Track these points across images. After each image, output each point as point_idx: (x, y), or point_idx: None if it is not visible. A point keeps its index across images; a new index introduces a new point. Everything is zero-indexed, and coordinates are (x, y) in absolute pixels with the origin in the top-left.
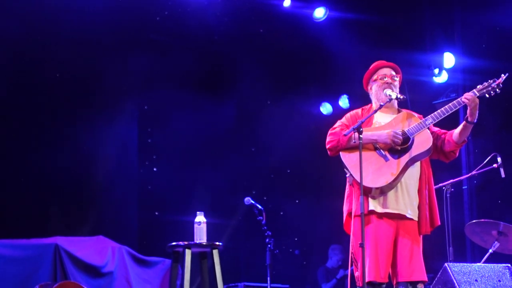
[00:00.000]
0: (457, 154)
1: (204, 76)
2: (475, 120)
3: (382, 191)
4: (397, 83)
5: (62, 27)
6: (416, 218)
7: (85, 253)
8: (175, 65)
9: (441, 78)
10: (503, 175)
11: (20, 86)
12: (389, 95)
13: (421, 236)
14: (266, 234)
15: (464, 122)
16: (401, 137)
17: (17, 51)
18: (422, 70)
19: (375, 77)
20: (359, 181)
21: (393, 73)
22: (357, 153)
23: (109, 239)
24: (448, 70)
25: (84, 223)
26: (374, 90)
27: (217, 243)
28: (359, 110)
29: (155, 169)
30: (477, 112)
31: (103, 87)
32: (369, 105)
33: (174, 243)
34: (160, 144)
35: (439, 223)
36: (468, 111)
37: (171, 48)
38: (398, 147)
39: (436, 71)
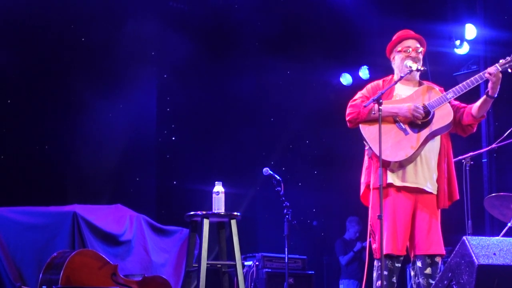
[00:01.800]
0: (475, 129)
1: (223, 46)
2: (496, 95)
3: (401, 165)
4: (420, 56)
5: None
6: (435, 192)
7: (103, 221)
8: (195, 34)
9: (463, 49)
10: None
11: (39, 52)
12: (410, 66)
13: (440, 210)
14: (284, 204)
15: (484, 96)
16: (422, 111)
17: (38, 17)
18: (443, 41)
19: (399, 48)
20: (378, 154)
21: (418, 45)
22: (376, 126)
23: (127, 207)
24: (469, 42)
25: (102, 191)
26: (396, 61)
27: (235, 213)
28: (380, 81)
29: (173, 138)
30: (499, 86)
31: (122, 55)
32: (391, 76)
33: (192, 213)
34: (179, 113)
35: (458, 197)
36: (489, 85)
37: (191, 16)
38: (419, 121)
39: (458, 42)
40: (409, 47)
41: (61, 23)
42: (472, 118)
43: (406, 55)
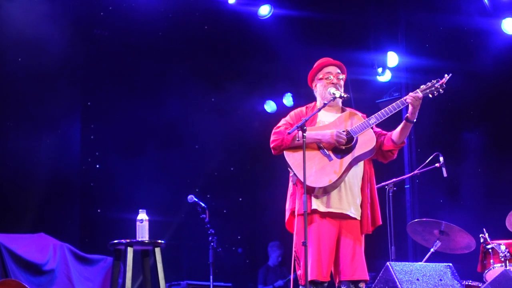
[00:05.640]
0: (395, 155)
1: (148, 72)
2: (415, 120)
3: (326, 191)
4: (342, 82)
5: (6, 20)
6: (358, 218)
7: (26, 250)
8: (119, 61)
9: (385, 77)
10: (445, 174)
11: None
12: (333, 93)
13: (363, 235)
14: (209, 232)
15: (404, 121)
16: (345, 137)
17: None
18: (365, 69)
19: (320, 75)
20: (302, 180)
21: (339, 71)
22: (301, 153)
23: (51, 236)
24: (391, 69)
25: (25, 220)
26: (318, 89)
27: (159, 241)
28: (303, 108)
29: (97, 166)
30: (418, 111)
31: (45, 82)
32: (313, 103)
33: (116, 241)
34: (103, 140)
35: (381, 222)
36: (409, 110)
37: (115, 43)
38: (342, 146)
39: (380, 70)
40: (330, 73)
41: None
42: (393, 143)
43: (328, 82)
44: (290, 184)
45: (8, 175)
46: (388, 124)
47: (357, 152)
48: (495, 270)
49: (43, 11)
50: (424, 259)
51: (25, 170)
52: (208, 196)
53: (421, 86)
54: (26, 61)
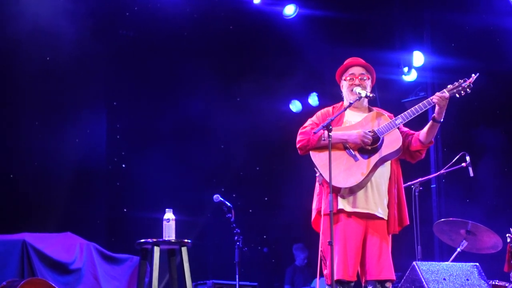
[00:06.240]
0: (423, 155)
1: (173, 73)
2: (442, 119)
3: (352, 191)
4: (368, 83)
5: (29, 21)
6: (385, 217)
7: (53, 249)
8: (145, 61)
9: (411, 76)
10: (471, 174)
11: None
12: (359, 93)
13: (390, 235)
14: (235, 231)
15: (431, 121)
16: (371, 137)
17: None
18: (391, 69)
19: (344, 76)
20: (328, 180)
21: (363, 72)
22: (327, 153)
23: (77, 235)
24: (417, 69)
25: (51, 219)
26: (344, 89)
27: (185, 240)
28: (330, 108)
29: (123, 166)
30: (444, 111)
31: (72, 82)
32: (340, 103)
33: (142, 240)
34: (129, 140)
35: (408, 222)
36: (436, 110)
37: (141, 44)
38: (368, 147)
39: (406, 69)
40: (353, 74)
41: (8, 51)
42: (420, 143)
43: (351, 83)
44: (317, 184)
45: (35, 175)
46: (414, 124)
47: (383, 152)
48: None
49: (70, 11)
50: (451, 259)
51: (51, 169)
52: (234, 195)
53: (448, 86)
54: (53, 60)
